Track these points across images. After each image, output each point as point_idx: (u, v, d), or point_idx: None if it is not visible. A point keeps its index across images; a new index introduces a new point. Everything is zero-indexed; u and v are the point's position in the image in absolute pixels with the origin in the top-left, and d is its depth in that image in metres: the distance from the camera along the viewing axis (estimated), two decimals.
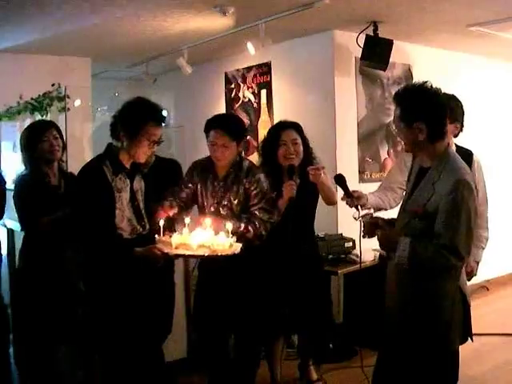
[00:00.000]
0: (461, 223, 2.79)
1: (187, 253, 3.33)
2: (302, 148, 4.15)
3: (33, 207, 3.88)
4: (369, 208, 3.40)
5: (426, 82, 2.94)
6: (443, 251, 2.78)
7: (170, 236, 3.39)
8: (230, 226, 3.45)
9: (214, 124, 3.91)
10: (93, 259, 3.50)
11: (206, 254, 3.31)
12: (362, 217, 3.17)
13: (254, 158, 6.69)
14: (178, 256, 3.39)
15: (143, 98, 3.60)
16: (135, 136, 3.43)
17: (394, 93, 3.09)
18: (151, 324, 3.62)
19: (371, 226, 3.10)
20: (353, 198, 3.42)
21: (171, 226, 3.67)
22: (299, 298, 4.21)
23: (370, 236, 3.13)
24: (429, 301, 2.92)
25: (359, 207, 3.30)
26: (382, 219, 3.14)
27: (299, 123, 4.25)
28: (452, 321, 2.95)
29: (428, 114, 2.88)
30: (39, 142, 3.95)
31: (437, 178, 2.86)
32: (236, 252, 3.40)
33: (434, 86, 2.95)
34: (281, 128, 4.22)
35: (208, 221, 3.48)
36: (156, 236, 3.42)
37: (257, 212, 3.87)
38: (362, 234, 3.11)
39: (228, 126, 3.89)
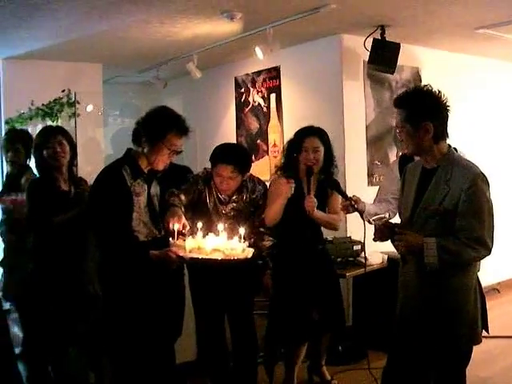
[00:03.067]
0: (484, 215, 2.87)
1: (202, 256, 3.35)
2: (322, 155, 4.22)
3: (44, 208, 3.93)
4: (383, 214, 3.44)
5: (426, 85, 3.01)
6: (473, 244, 2.84)
7: (184, 240, 3.43)
8: (242, 230, 3.49)
9: (222, 158, 3.96)
10: (109, 261, 3.54)
11: (220, 258, 3.34)
12: (377, 219, 3.18)
13: (265, 161, 6.80)
14: (192, 259, 3.40)
15: (167, 108, 3.65)
16: (156, 144, 3.47)
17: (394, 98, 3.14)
18: (164, 325, 3.66)
19: (385, 230, 3.11)
20: (351, 202, 3.49)
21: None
22: (324, 301, 4.33)
23: (383, 240, 3.15)
24: (456, 298, 2.95)
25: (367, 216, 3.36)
26: (397, 224, 3.18)
27: (323, 130, 4.32)
28: (477, 315, 3.01)
29: (434, 114, 2.95)
30: (44, 149, 4.02)
31: (449, 176, 2.91)
32: (249, 257, 3.44)
33: (433, 89, 3.01)
34: (305, 134, 4.28)
35: (221, 226, 3.53)
36: (170, 240, 3.46)
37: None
38: (373, 237, 3.14)
39: (236, 160, 3.95)
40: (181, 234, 3.50)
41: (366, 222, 3.57)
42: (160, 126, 3.48)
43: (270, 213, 4.14)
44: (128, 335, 3.54)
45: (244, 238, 3.48)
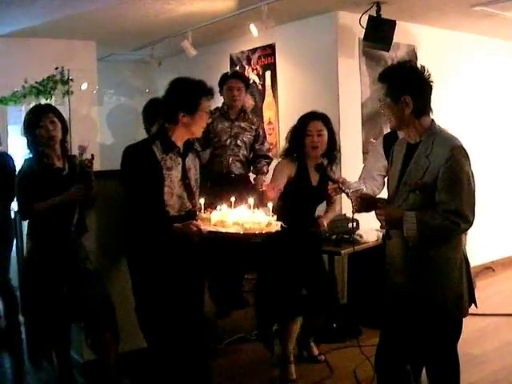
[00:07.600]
0: (462, 187, 2.86)
1: (220, 230, 3.27)
2: (326, 139, 4.34)
3: (29, 193, 3.91)
4: (360, 185, 3.47)
5: (409, 61, 3.03)
6: (451, 217, 2.84)
7: (211, 212, 3.38)
8: (270, 205, 3.47)
9: None
10: (138, 235, 3.60)
11: (241, 232, 3.25)
12: (354, 192, 3.22)
13: None
14: (211, 233, 3.34)
15: (187, 78, 3.79)
16: (195, 112, 3.58)
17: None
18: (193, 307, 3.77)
19: (362, 201, 3.16)
20: (339, 184, 3.54)
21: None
22: (314, 278, 4.41)
23: (361, 211, 3.19)
24: (440, 270, 2.96)
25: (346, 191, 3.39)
26: (377, 198, 3.21)
27: (326, 115, 4.41)
28: (463, 290, 3.01)
29: (414, 88, 2.96)
30: (36, 128, 3.99)
31: (430, 151, 2.93)
32: (274, 231, 3.35)
33: (417, 64, 3.06)
34: (309, 118, 4.37)
35: (251, 200, 3.42)
36: (197, 212, 3.46)
37: None
38: (353, 209, 3.17)
39: None
40: (209, 206, 3.46)
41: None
42: (194, 96, 3.62)
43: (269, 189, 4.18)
44: (167, 317, 3.61)
45: (272, 212, 3.41)
